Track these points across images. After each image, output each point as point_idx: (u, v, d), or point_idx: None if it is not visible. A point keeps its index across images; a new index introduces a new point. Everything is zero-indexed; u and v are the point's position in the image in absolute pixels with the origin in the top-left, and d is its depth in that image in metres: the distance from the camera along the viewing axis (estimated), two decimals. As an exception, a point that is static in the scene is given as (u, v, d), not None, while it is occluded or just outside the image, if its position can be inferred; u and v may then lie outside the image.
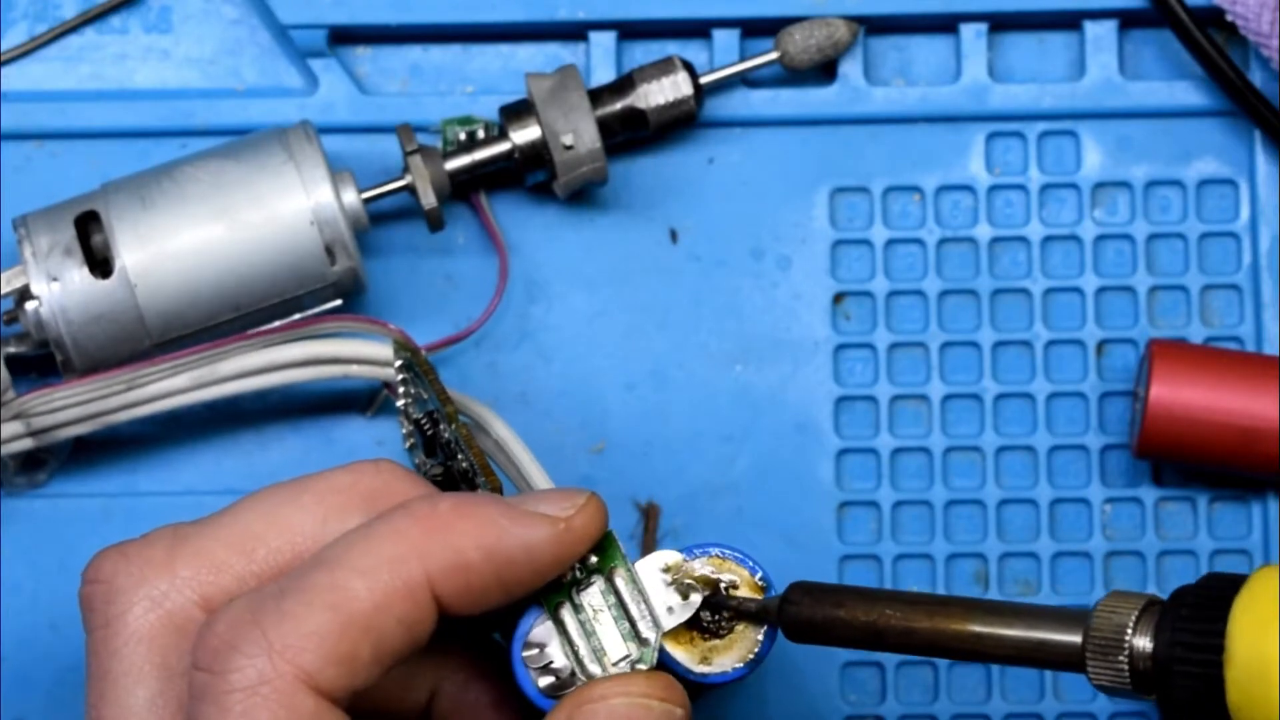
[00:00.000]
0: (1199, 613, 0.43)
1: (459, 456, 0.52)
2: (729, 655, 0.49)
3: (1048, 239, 0.63)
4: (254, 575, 0.47)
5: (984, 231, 0.63)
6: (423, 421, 0.54)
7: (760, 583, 0.49)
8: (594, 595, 0.48)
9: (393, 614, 0.45)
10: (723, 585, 0.49)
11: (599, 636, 0.48)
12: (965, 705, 0.61)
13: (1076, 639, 0.44)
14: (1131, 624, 0.44)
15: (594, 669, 0.48)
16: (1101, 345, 0.62)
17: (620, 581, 0.48)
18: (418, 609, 0.45)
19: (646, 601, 0.48)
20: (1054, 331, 0.62)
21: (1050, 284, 0.62)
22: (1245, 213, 0.62)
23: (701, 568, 0.49)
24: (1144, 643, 0.44)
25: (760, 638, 0.49)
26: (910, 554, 0.62)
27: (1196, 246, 0.62)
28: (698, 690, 0.49)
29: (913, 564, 0.62)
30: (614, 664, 0.48)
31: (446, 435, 0.52)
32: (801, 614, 0.47)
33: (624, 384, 0.62)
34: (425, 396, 0.54)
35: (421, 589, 0.45)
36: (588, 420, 0.62)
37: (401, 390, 0.56)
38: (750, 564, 0.49)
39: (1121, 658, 0.44)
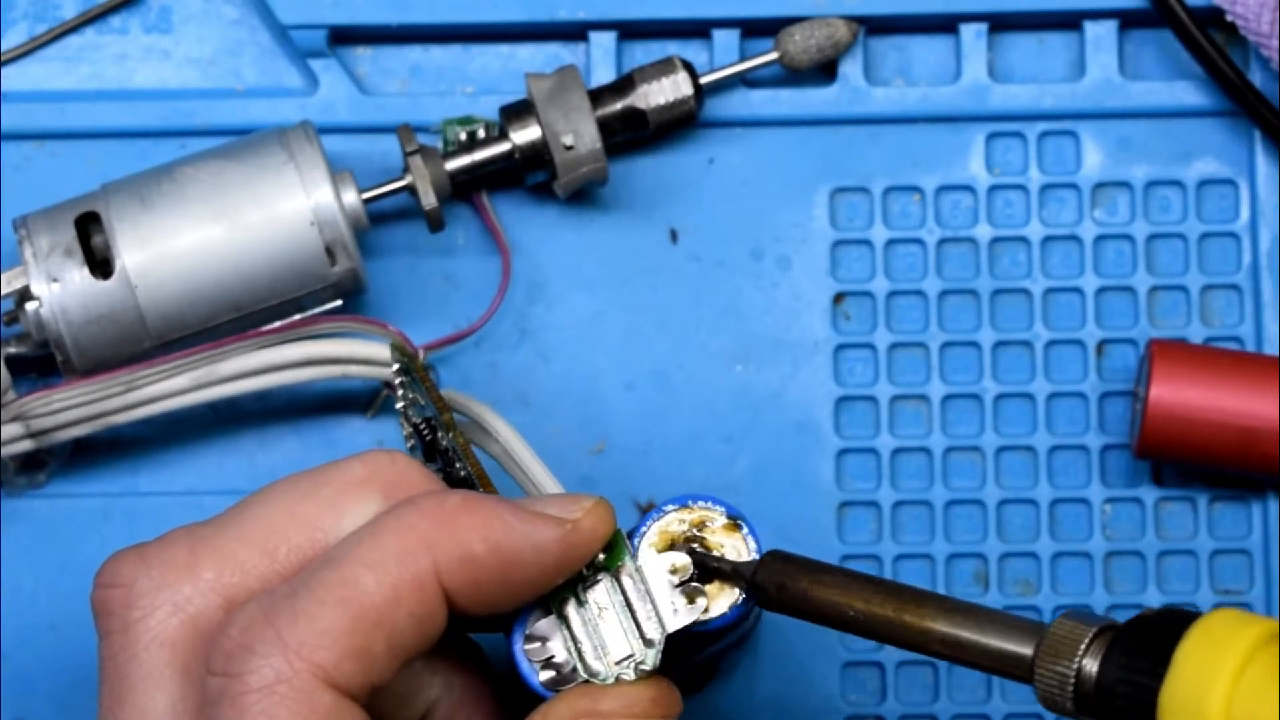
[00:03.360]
0: (1146, 646, 0.43)
1: (457, 465, 0.52)
2: (719, 600, 0.49)
3: (1048, 239, 0.63)
4: (277, 574, 0.47)
5: (984, 231, 0.63)
6: (422, 427, 0.54)
7: (730, 518, 0.49)
8: (600, 592, 0.48)
9: (404, 607, 0.45)
10: (699, 532, 0.49)
11: (602, 634, 0.48)
12: (965, 705, 0.61)
13: (1028, 651, 0.45)
14: (1084, 646, 0.44)
15: (596, 666, 0.48)
16: (1101, 345, 0.62)
17: (627, 580, 0.48)
18: (428, 602, 0.45)
19: (652, 601, 0.48)
20: (1054, 331, 0.62)
21: (1050, 284, 0.62)
22: (1245, 213, 0.62)
23: (679, 525, 0.49)
24: (1091, 666, 0.44)
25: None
26: (910, 554, 0.62)
27: (1196, 247, 0.62)
28: (696, 644, 0.49)
29: (913, 564, 0.62)
30: (616, 663, 0.48)
31: (445, 443, 0.52)
32: (771, 581, 0.48)
33: (624, 384, 0.62)
34: (423, 403, 0.54)
35: (431, 582, 0.45)
36: (588, 420, 0.62)
37: (400, 393, 0.56)
38: (726, 507, 0.49)
39: (1069, 678, 0.44)
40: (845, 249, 0.63)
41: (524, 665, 0.48)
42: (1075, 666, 0.44)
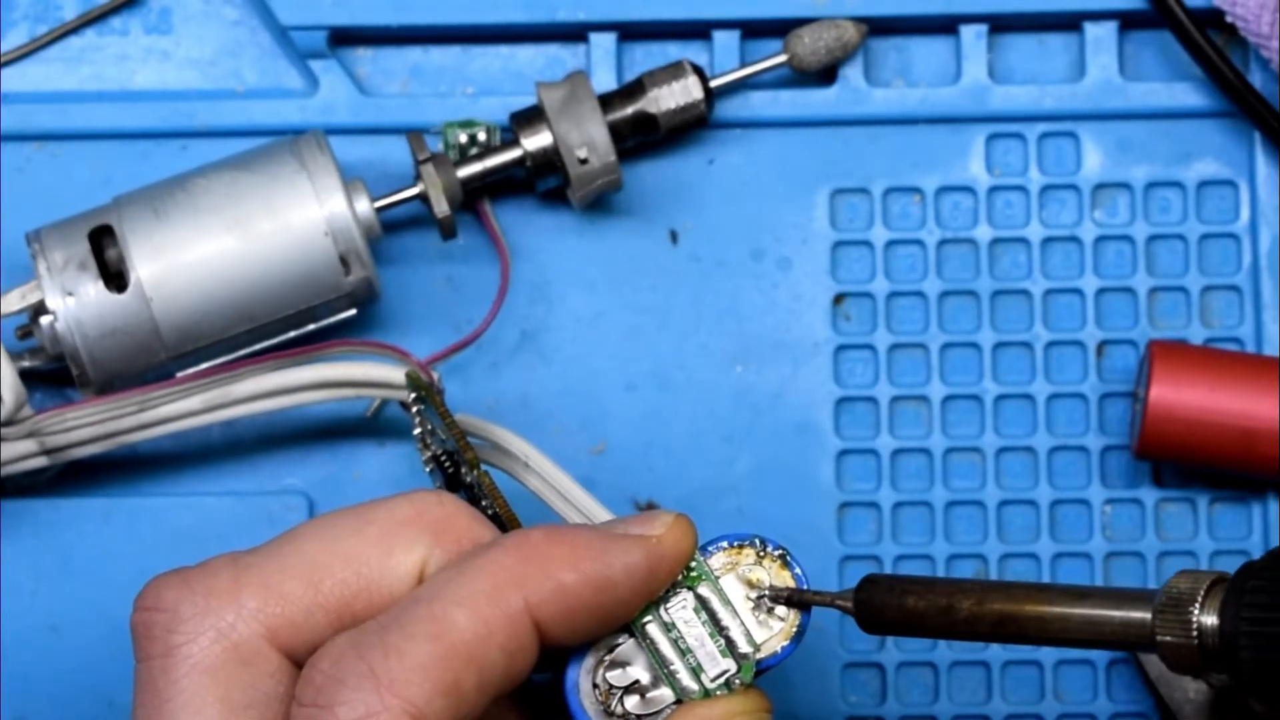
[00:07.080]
0: (1267, 586, 0.43)
1: (483, 503, 0.51)
2: (775, 637, 0.49)
3: (1048, 240, 0.63)
4: (320, 607, 0.47)
5: (984, 233, 0.63)
6: (442, 459, 0.54)
7: (775, 553, 0.49)
8: (684, 612, 0.48)
9: (494, 643, 0.45)
10: (761, 579, 0.49)
11: (695, 654, 0.48)
12: (965, 706, 0.61)
13: (1146, 615, 0.45)
14: (1200, 600, 0.44)
15: (690, 684, 0.48)
16: (1101, 346, 0.62)
17: (709, 598, 0.48)
18: (519, 637, 0.45)
19: (739, 617, 0.48)
20: (1054, 332, 0.62)
21: (1050, 285, 0.62)
22: (1245, 214, 0.62)
23: (719, 563, 0.49)
24: (1211, 619, 0.44)
25: (798, 615, 0.49)
26: (910, 555, 0.62)
27: (1196, 247, 0.62)
28: None
29: (913, 565, 0.62)
30: (712, 680, 0.48)
31: (469, 479, 0.52)
32: (876, 603, 0.48)
33: (624, 385, 0.62)
34: (443, 436, 0.54)
35: (522, 617, 0.45)
36: (588, 421, 0.62)
37: (417, 419, 0.56)
38: (771, 542, 0.49)
39: (1190, 634, 0.44)
40: (845, 250, 0.63)
41: (576, 705, 0.48)
42: (1196, 619, 0.44)
